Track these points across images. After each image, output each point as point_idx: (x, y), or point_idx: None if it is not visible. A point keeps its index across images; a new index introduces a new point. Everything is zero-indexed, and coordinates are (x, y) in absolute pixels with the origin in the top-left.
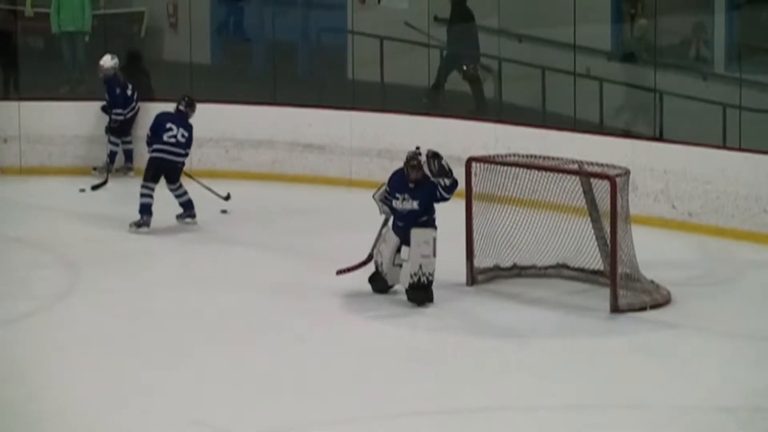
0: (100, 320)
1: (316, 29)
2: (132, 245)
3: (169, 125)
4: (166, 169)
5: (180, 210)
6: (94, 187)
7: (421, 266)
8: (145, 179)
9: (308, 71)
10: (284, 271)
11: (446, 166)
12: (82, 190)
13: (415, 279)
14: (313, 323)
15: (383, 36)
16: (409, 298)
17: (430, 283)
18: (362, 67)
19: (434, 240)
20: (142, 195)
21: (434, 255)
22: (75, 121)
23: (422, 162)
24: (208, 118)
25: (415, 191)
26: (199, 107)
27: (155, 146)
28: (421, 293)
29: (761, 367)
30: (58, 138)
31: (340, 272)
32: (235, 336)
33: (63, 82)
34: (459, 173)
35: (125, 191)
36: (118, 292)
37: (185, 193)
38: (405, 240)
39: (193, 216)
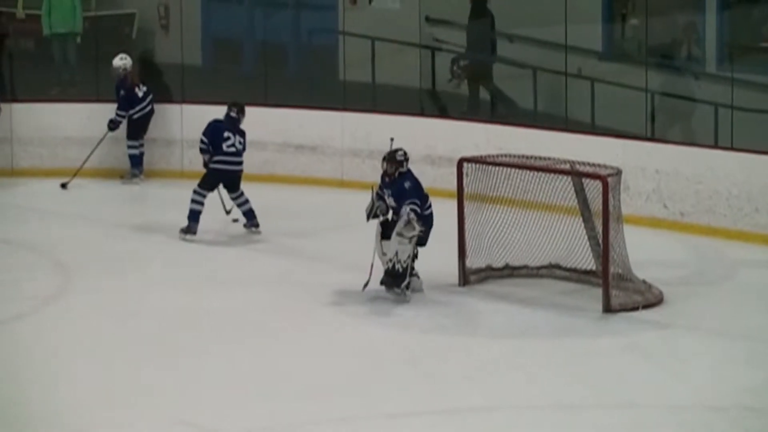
0: (91, 321)
1: (307, 30)
2: (123, 246)
3: (227, 134)
4: (227, 179)
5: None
6: (63, 185)
7: (397, 252)
8: (201, 186)
9: (299, 72)
10: (276, 272)
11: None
12: (64, 186)
13: (390, 265)
14: (306, 323)
15: (374, 36)
16: (381, 281)
17: (405, 270)
18: (353, 68)
19: (414, 228)
20: (194, 201)
21: (411, 242)
22: (66, 123)
23: (395, 159)
24: (199, 119)
25: (391, 187)
26: (190, 108)
27: (217, 158)
28: (391, 279)
29: (752, 367)
30: (49, 140)
31: (365, 287)
32: (226, 336)
33: (54, 84)
34: (451, 173)
35: (121, 193)
36: (109, 293)
37: (247, 201)
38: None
39: (256, 225)
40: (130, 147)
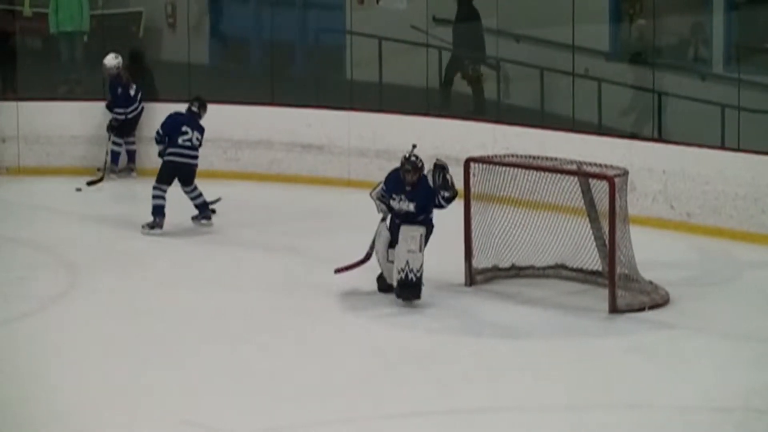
0: (97, 320)
1: (314, 29)
2: (130, 245)
3: (184, 128)
4: (182, 172)
5: (195, 212)
6: (90, 183)
7: (408, 262)
8: (159, 181)
9: (306, 71)
10: (283, 272)
11: (450, 180)
12: (79, 190)
13: (403, 275)
14: (312, 323)
15: (382, 36)
16: (397, 295)
17: (419, 279)
18: (360, 68)
19: (421, 236)
20: (155, 197)
21: (420, 250)
22: (73, 121)
23: (417, 166)
24: (206, 118)
25: (412, 194)
26: None
27: (171, 150)
28: (408, 290)
29: (758, 368)
30: (56, 138)
31: (338, 271)
32: (233, 336)
33: (61, 82)
34: (457, 173)
35: (124, 191)
36: (116, 292)
37: (200, 195)
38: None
39: (208, 218)
40: (114, 143)
